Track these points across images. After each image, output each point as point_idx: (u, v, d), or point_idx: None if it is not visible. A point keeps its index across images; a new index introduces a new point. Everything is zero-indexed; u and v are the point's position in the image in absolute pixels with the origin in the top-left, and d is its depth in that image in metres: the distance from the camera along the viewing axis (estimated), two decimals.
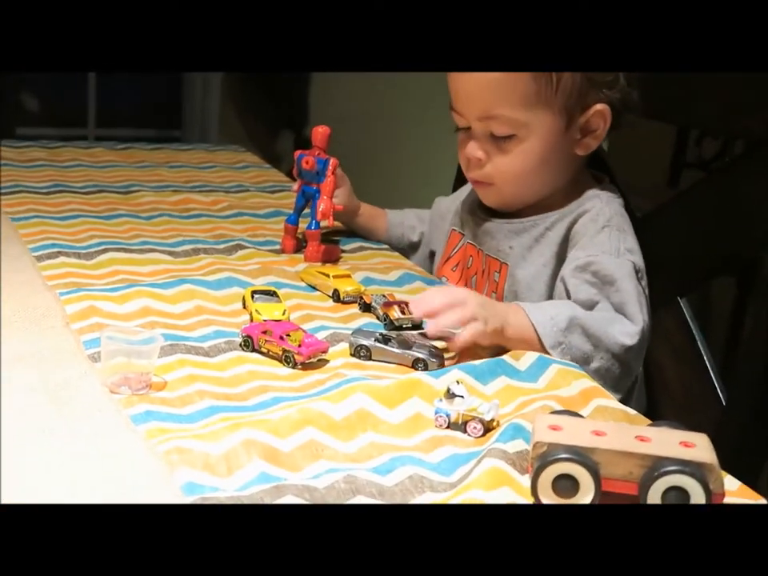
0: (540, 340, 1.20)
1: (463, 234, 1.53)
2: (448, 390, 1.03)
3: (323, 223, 1.52)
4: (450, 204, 1.62)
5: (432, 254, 1.64)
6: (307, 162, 1.54)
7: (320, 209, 1.50)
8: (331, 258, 1.54)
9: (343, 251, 1.59)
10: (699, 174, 2.69)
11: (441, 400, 1.04)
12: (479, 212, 1.50)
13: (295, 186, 1.61)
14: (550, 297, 1.37)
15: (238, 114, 4.00)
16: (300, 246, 1.57)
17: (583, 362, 1.20)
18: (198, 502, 0.84)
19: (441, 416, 1.03)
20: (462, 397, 1.03)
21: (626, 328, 1.25)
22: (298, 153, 1.58)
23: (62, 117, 3.93)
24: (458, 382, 1.05)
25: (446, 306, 1.18)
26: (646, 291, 1.33)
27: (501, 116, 1.35)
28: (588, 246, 1.32)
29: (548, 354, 1.19)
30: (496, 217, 1.47)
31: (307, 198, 1.56)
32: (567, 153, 1.39)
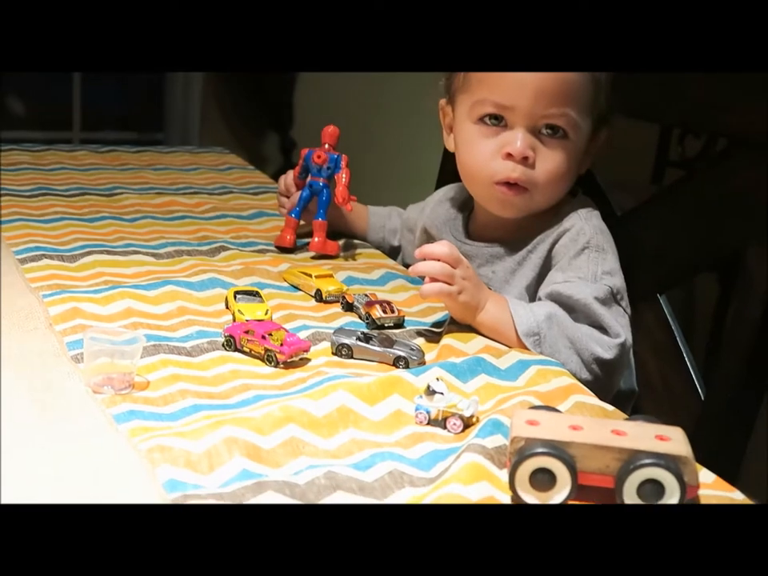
0: (515, 328, 1.21)
1: None
2: (428, 386, 1.04)
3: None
4: (418, 218, 1.60)
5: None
6: (319, 157, 1.57)
7: (339, 193, 1.53)
8: (333, 252, 1.57)
9: None
10: (682, 172, 2.71)
11: (421, 397, 1.05)
12: (451, 233, 1.48)
13: (282, 184, 1.63)
14: None
15: (221, 115, 4.00)
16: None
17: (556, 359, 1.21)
18: (180, 500, 0.85)
19: (421, 412, 1.04)
20: (442, 393, 1.03)
21: (602, 339, 1.25)
22: (305, 150, 1.60)
23: (46, 120, 3.93)
24: (437, 379, 1.06)
25: (442, 256, 1.22)
26: (628, 310, 1.32)
27: (566, 115, 1.32)
28: (567, 269, 1.31)
29: (522, 345, 1.20)
30: (473, 239, 1.46)
31: (314, 192, 1.59)
32: (582, 166, 1.40)
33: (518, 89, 1.32)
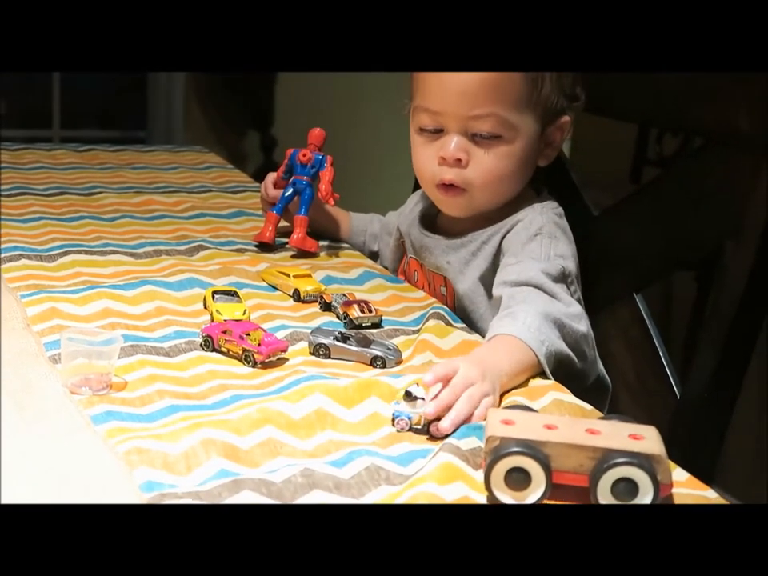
0: (533, 353, 1.15)
1: (406, 249, 1.55)
2: (407, 392, 1.03)
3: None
4: (396, 219, 1.62)
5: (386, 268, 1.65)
6: (304, 155, 1.59)
7: (323, 188, 1.55)
8: (312, 249, 1.58)
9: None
10: (660, 171, 2.72)
11: (398, 403, 1.03)
12: (418, 227, 1.51)
13: (269, 181, 1.65)
14: (491, 308, 1.37)
15: (203, 114, 4.00)
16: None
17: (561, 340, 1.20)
18: (156, 499, 0.85)
19: (402, 419, 1.02)
20: (423, 399, 1.03)
21: (568, 309, 1.24)
22: (291, 150, 1.62)
23: (26, 118, 3.92)
24: (417, 384, 1.05)
25: (454, 395, 1.04)
26: (577, 295, 1.33)
27: (494, 114, 1.34)
28: (519, 253, 1.33)
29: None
30: (434, 232, 1.48)
31: (297, 191, 1.60)
32: (534, 162, 1.41)
33: (444, 93, 1.36)
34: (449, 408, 1.01)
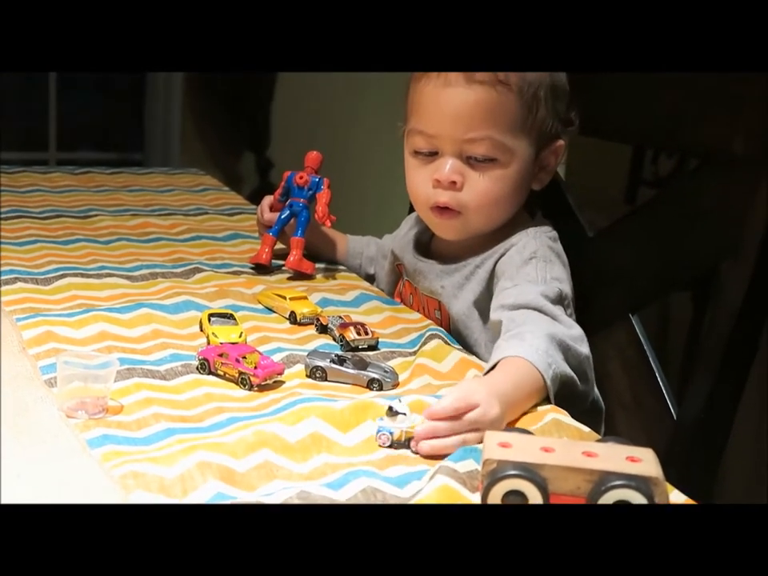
0: (544, 379, 1.14)
1: (402, 272, 1.55)
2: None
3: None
4: (392, 242, 1.62)
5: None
6: (301, 178, 1.60)
7: (319, 209, 1.55)
8: (309, 271, 1.58)
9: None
10: (655, 191, 2.73)
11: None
12: (412, 252, 1.51)
13: (265, 204, 1.65)
14: (486, 333, 1.37)
15: (199, 136, 4.01)
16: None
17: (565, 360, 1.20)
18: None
19: (384, 434, 1.03)
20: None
21: (570, 332, 1.24)
22: (288, 172, 1.63)
23: (22, 140, 3.92)
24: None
25: (453, 431, 1.03)
26: (573, 318, 1.33)
27: (489, 138, 1.34)
28: (515, 277, 1.32)
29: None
30: (428, 257, 1.48)
31: (293, 213, 1.60)
32: (528, 186, 1.41)
33: (439, 116, 1.36)
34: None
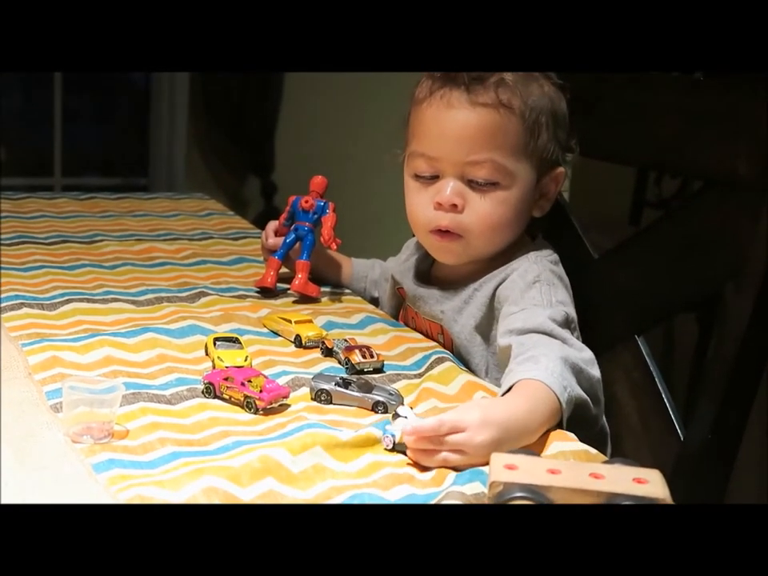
0: (559, 402, 1.12)
1: (404, 296, 1.55)
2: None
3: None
4: (394, 265, 1.62)
5: None
6: (306, 202, 1.61)
7: (325, 233, 1.56)
8: (314, 294, 1.58)
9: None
10: (660, 213, 2.73)
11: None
12: (412, 279, 1.51)
13: (270, 229, 1.66)
14: (486, 355, 1.38)
15: (204, 161, 4.02)
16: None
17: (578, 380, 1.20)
18: None
19: (387, 437, 1.07)
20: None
21: (581, 354, 1.24)
22: (293, 197, 1.63)
23: (27, 166, 3.94)
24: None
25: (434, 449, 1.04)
26: (580, 340, 1.32)
27: (491, 161, 1.34)
28: (520, 301, 1.32)
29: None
30: (428, 284, 1.48)
31: (299, 236, 1.61)
32: (529, 211, 1.41)
33: (441, 139, 1.36)
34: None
